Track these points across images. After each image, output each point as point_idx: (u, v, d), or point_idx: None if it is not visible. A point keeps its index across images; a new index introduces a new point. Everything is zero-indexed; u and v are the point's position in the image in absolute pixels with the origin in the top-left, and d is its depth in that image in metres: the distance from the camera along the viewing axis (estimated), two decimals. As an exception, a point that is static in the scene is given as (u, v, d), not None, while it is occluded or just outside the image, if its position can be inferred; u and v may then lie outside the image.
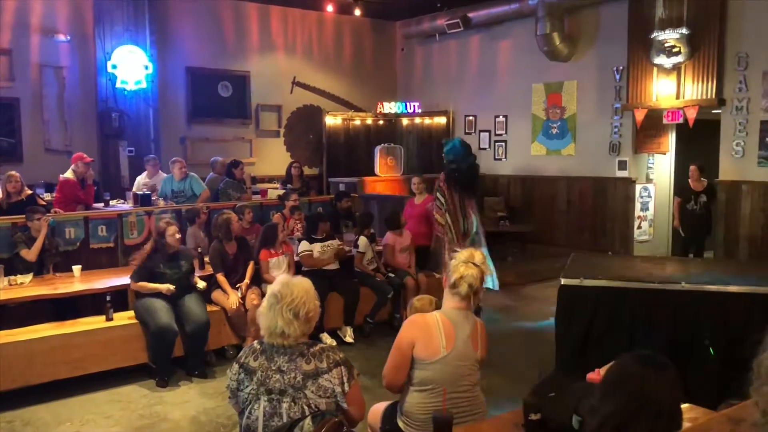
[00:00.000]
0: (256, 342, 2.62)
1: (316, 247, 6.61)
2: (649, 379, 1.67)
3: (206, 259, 6.36)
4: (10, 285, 5.56)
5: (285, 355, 2.49)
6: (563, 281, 4.68)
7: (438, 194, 6.42)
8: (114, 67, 9.69)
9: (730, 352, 4.17)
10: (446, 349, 2.78)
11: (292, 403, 2.43)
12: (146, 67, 9.90)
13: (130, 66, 9.81)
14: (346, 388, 2.51)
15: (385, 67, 13.47)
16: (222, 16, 11.43)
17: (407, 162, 11.86)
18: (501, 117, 11.84)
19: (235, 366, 2.56)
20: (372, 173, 11.33)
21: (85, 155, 7.90)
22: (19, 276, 5.71)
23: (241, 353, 2.63)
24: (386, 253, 7.03)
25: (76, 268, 6.05)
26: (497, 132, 11.94)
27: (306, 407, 2.43)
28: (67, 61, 10.08)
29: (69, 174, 7.76)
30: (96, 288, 5.67)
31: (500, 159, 11.87)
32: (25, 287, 5.57)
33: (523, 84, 11.34)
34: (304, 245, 6.61)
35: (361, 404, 2.63)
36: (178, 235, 5.62)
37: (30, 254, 5.96)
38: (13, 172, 7.12)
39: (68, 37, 10.01)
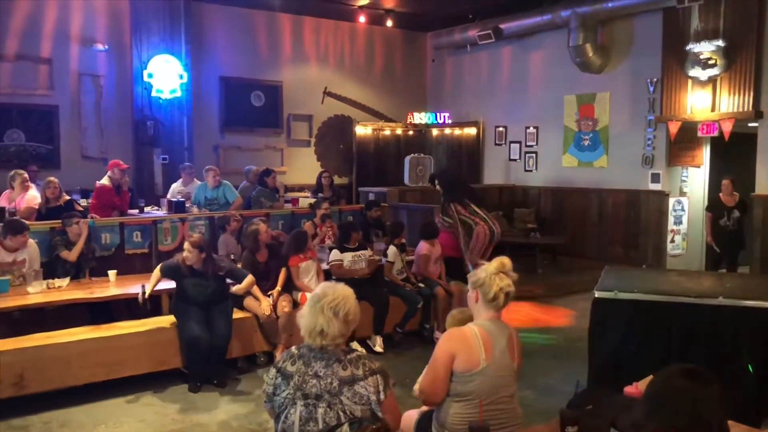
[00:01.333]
0: (294, 347, 2.66)
1: (347, 257, 6.63)
2: (697, 394, 1.63)
3: (239, 265, 6.41)
4: (49, 288, 5.68)
5: (322, 360, 2.53)
6: (597, 294, 4.63)
7: (446, 218, 6.84)
8: (150, 76, 9.90)
9: (768, 370, 4.08)
10: (486, 361, 2.78)
11: (328, 409, 2.47)
12: (181, 77, 10.10)
13: (166, 75, 10.01)
14: (382, 396, 2.52)
15: (415, 77, 13.53)
16: (256, 26, 11.60)
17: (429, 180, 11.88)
18: (532, 128, 11.81)
19: (273, 370, 2.61)
20: (402, 183, 11.36)
21: (121, 162, 8.05)
22: (57, 279, 5.83)
23: (279, 358, 2.68)
24: (420, 262, 7.02)
25: (112, 273, 6.17)
26: (528, 143, 11.90)
27: (341, 413, 2.46)
28: (105, 70, 10.32)
29: (105, 180, 7.91)
30: (131, 293, 5.75)
31: (531, 170, 11.83)
32: (63, 291, 5.69)
33: (554, 95, 11.30)
34: (335, 254, 6.64)
35: (397, 414, 2.64)
36: (199, 254, 5.51)
37: (71, 255, 6.10)
38: (53, 178, 7.30)
39: (106, 47, 10.25)
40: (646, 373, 2.92)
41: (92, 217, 7.01)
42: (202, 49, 10.96)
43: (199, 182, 8.89)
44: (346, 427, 2.39)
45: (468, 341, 2.79)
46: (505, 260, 2.92)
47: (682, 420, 1.62)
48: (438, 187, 6.72)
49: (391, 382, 2.60)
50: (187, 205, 7.88)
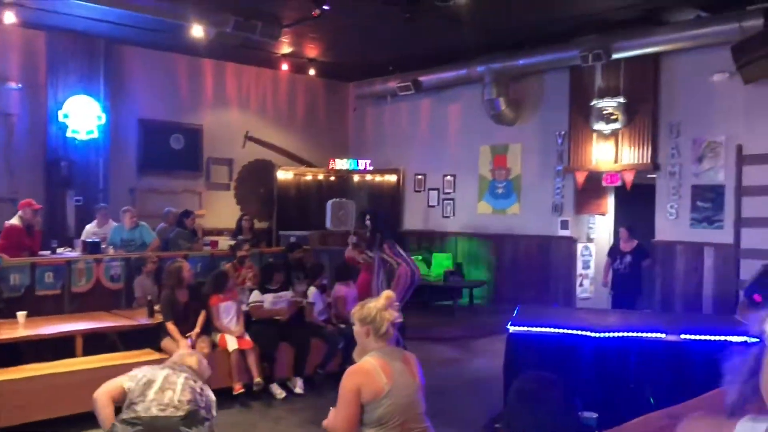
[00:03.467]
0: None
1: (268, 298, 6.66)
2: (539, 395, 2.00)
3: (156, 307, 6.33)
4: (-49, 330, 5.43)
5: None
6: (511, 329, 4.88)
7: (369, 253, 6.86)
8: (66, 116, 9.71)
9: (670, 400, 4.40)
10: (388, 384, 2.94)
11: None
12: (99, 118, 9.95)
13: (83, 115, 9.85)
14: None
15: (337, 125, 13.82)
16: (177, 69, 11.61)
17: (358, 218, 12.07)
18: (449, 176, 12.24)
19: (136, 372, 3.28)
20: (323, 227, 11.48)
21: (33, 202, 7.82)
22: (-40, 322, 5.58)
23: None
24: (338, 304, 7.12)
25: (21, 315, 5.95)
26: (446, 190, 12.31)
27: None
28: (17, 109, 10.02)
29: (15, 220, 7.66)
30: (42, 334, 5.57)
31: (448, 216, 12.21)
32: (-33, 333, 5.45)
33: (471, 145, 11.80)
34: (255, 295, 6.65)
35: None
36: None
37: None
38: (-42, 217, 7.00)
39: (20, 85, 9.98)
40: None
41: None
42: (121, 91, 10.86)
43: (114, 223, 8.74)
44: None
45: (368, 372, 2.94)
46: (390, 294, 3.14)
47: (530, 419, 1.95)
48: (368, 222, 6.86)
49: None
50: (102, 246, 7.71)
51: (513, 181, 11.25)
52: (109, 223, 8.76)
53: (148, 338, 6.12)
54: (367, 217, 6.93)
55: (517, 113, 11.08)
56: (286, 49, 11.21)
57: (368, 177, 13.11)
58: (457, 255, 11.78)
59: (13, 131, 9.95)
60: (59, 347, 5.77)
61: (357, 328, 3.07)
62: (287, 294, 6.79)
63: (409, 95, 12.18)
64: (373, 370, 2.94)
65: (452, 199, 12.21)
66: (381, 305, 3.05)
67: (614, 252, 9.06)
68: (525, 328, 4.83)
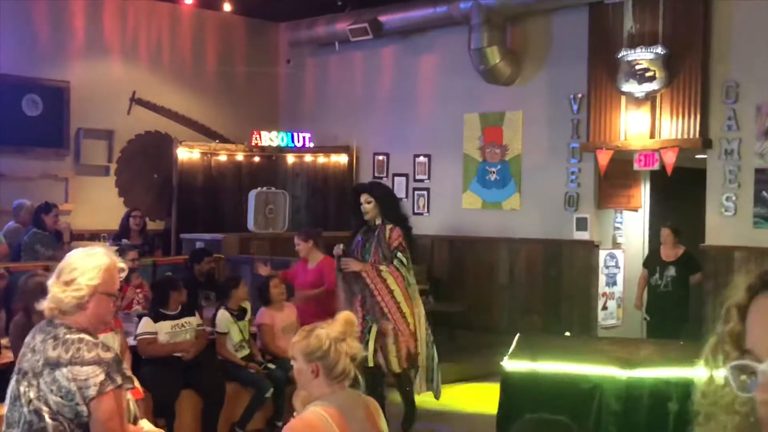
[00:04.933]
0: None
1: (164, 327, 6.64)
2: None
3: (5, 342, 6.25)
4: None
5: (43, 333, 3.00)
6: (507, 366, 4.96)
7: (401, 255, 6.83)
8: None
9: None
10: None
11: (27, 389, 2.92)
12: None
13: None
14: (90, 393, 2.87)
15: (263, 83, 13.77)
16: (32, 3, 11.42)
17: (293, 214, 12.06)
18: (422, 157, 12.30)
19: None
20: (244, 228, 11.43)
21: None
22: None
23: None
24: (262, 335, 7.14)
25: None
26: (417, 177, 12.37)
27: (36, 400, 2.89)
28: None
29: None
30: None
31: (421, 213, 12.26)
32: None
33: (452, 114, 11.87)
34: (146, 324, 6.63)
35: (112, 427, 2.91)
36: None
37: None
38: None
39: None
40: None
41: None
42: (-51, 31, 10.65)
43: None
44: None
45: (317, 429, 2.95)
46: (350, 317, 3.18)
47: None
48: (368, 206, 6.81)
49: (118, 382, 2.92)
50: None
51: (510, 163, 11.37)
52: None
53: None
54: (368, 194, 6.84)
55: (516, 69, 11.19)
56: (190, -27, 11.14)
57: (308, 158, 13.09)
58: (433, 267, 11.84)
59: None
60: None
61: (300, 365, 3.08)
62: (193, 320, 6.76)
63: (366, 41, 12.20)
64: (322, 425, 2.95)
65: (426, 189, 12.27)
66: (336, 333, 3.07)
67: (652, 262, 9.21)
68: (526, 365, 4.91)
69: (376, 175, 12.78)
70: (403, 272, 6.82)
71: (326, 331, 3.08)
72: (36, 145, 11.45)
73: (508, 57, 11.07)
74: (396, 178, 12.59)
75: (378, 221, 6.82)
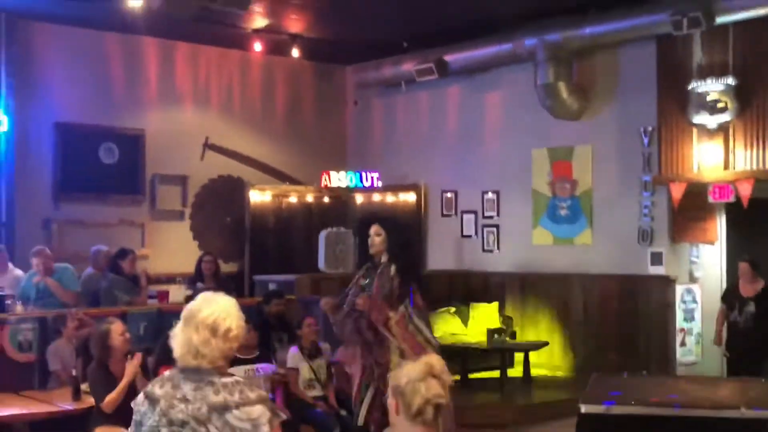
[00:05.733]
0: (167, 371, 3.16)
1: (238, 372, 6.64)
2: None
3: (84, 386, 6.37)
4: None
5: (192, 382, 3.01)
6: (583, 408, 4.86)
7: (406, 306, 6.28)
8: (-47, 121, 9.86)
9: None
10: None
11: None
12: (-1, 122, 10.11)
13: (-23, 120, 10.00)
14: (265, 430, 2.96)
15: (332, 125, 13.91)
16: (109, 54, 11.74)
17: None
18: (491, 193, 12.25)
19: (141, 396, 3.14)
20: (315, 269, 11.49)
21: None
22: None
23: (149, 383, 3.19)
24: (337, 374, 7.14)
25: None
26: (486, 214, 12.31)
27: None
28: None
29: None
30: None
31: (491, 251, 12.20)
32: None
33: (519, 149, 11.82)
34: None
35: None
36: None
37: None
38: None
39: None
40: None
41: None
42: (30, 85, 10.98)
43: (19, 272, 8.95)
44: None
45: None
46: (434, 360, 3.13)
47: None
48: (383, 238, 6.36)
49: (281, 416, 3.03)
50: (8, 302, 7.78)
51: (581, 197, 11.26)
52: (8, 270, 8.91)
53: (73, 430, 6.13)
54: (376, 229, 6.37)
55: (583, 103, 11.13)
56: (259, 22, 11.33)
57: (376, 197, 13.14)
58: (505, 305, 11.75)
59: None
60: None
61: (388, 398, 3.11)
62: (267, 367, 6.79)
63: (432, 81, 12.24)
64: None
65: (496, 226, 12.20)
66: (416, 373, 3.04)
67: (731, 297, 9.00)
68: (602, 407, 4.80)
69: (444, 212, 12.77)
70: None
71: (408, 369, 3.07)
72: (113, 192, 11.72)
73: (575, 92, 11.02)
74: (465, 215, 12.55)
75: (383, 258, 6.31)
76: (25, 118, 10.87)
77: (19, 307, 7.90)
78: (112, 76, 11.79)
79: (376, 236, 6.25)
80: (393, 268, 6.14)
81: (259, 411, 2.97)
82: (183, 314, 3.11)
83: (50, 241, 10.88)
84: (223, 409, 2.95)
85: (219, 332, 3.03)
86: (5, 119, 10.20)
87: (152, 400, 3.05)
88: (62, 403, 6.38)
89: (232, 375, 3.08)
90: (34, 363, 7.38)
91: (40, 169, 11.16)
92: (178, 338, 3.07)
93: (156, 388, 3.08)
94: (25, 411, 6.32)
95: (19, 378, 7.23)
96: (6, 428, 6.24)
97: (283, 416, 3.09)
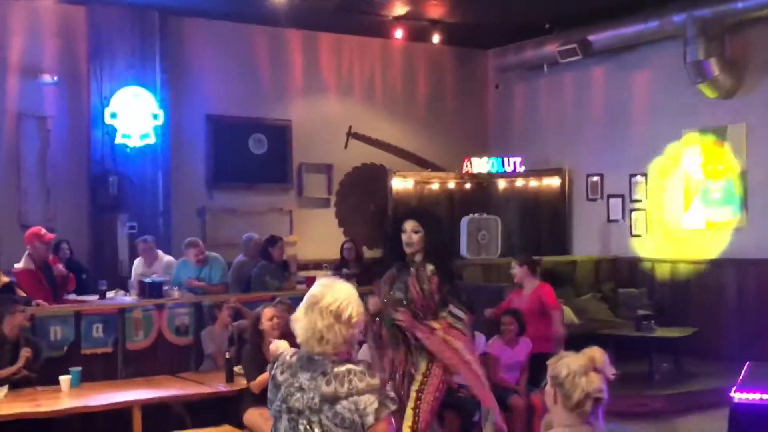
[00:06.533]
0: (289, 354, 3.24)
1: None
2: None
3: (237, 369, 6.61)
4: (-20, 400, 5.93)
5: (308, 372, 3.08)
6: (736, 398, 4.69)
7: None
8: (113, 116, 10.37)
9: None
10: None
11: (308, 426, 3.03)
12: (155, 116, 10.55)
13: (135, 114, 10.47)
14: (370, 420, 2.97)
15: (473, 110, 13.88)
16: (256, 47, 12.12)
17: (506, 239, 12.01)
18: (639, 177, 11.96)
19: (270, 378, 3.26)
20: (457, 255, 11.50)
21: (42, 230, 8.27)
22: (-9, 389, 6.09)
23: (275, 363, 3.26)
24: (485, 363, 7.11)
25: (65, 380, 6.39)
26: (634, 197, 12.04)
27: None
28: (53, 110, 10.82)
29: (24, 262, 8.07)
30: (91, 405, 5.97)
31: (639, 235, 11.93)
32: (0, 403, 5.92)
33: (669, 130, 11.49)
34: (363, 353, 6.76)
35: None
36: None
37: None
38: (-15, 252, 7.64)
39: (56, 78, 10.77)
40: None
41: (37, 304, 7.30)
42: (183, 79, 11.46)
43: (168, 258, 9.37)
44: None
45: None
46: (596, 353, 3.07)
47: None
48: (421, 235, 5.28)
49: (390, 406, 3.00)
50: (165, 288, 8.16)
51: (735, 180, 10.84)
52: (158, 258, 9.36)
53: (225, 411, 6.37)
54: (414, 226, 5.25)
55: (737, 80, 10.71)
56: (400, 9, 11.42)
57: (519, 182, 13.04)
58: (654, 291, 11.47)
59: (48, 139, 10.74)
60: (111, 422, 6.14)
61: (547, 387, 3.10)
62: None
63: (575, 62, 12.07)
64: None
65: (644, 210, 11.90)
66: (577, 365, 3.02)
67: None
68: (758, 396, 4.62)
69: (590, 196, 12.56)
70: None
71: (570, 360, 3.06)
72: (262, 181, 12.11)
73: (728, 68, 10.61)
74: (611, 200, 12.31)
75: (418, 258, 5.32)
76: (180, 112, 11.35)
77: (176, 293, 8.27)
78: (259, 68, 12.15)
79: (414, 233, 5.26)
80: (430, 268, 5.25)
81: (366, 400, 2.98)
82: (306, 300, 3.15)
83: (204, 230, 11.36)
84: (334, 399, 2.99)
85: (342, 318, 3.07)
86: (161, 113, 10.61)
87: (276, 385, 3.16)
88: (217, 384, 6.64)
89: (348, 363, 3.09)
90: (190, 347, 7.70)
91: (194, 161, 11.65)
92: (301, 323, 3.12)
93: (278, 373, 3.18)
94: (181, 392, 6.60)
95: (177, 360, 7.58)
96: (165, 408, 6.55)
97: (393, 406, 3.06)
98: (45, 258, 8.24)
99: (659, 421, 8.39)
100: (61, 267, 8.69)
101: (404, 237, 5.28)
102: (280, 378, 3.15)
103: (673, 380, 9.86)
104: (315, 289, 3.17)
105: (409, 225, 5.29)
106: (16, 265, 8.26)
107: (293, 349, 3.26)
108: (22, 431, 5.90)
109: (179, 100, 11.35)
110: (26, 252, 8.15)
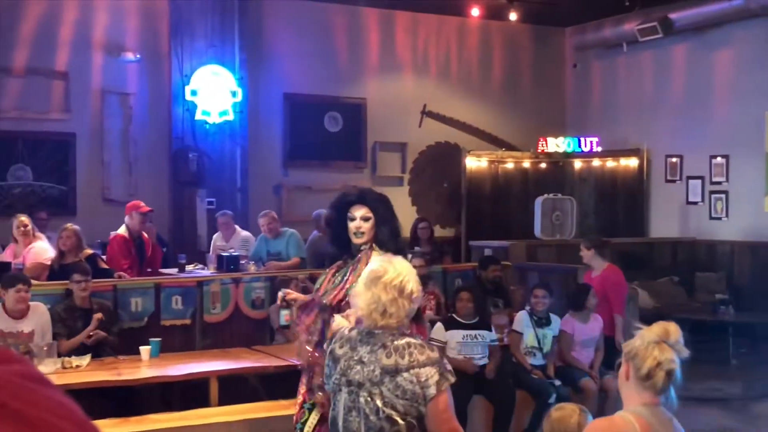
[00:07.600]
0: (348, 329, 3.35)
1: (456, 336, 6.71)
2: None
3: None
4: (65, 368, 6.11)
5: (367, 345, 3.18)
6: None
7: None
8: (194, 93, 10.57)
9: None
10: None
11: (369, 398, 3.11)
12: (234, 94, 10.71)
13: (214, 92, 10.65)
14: (431, 392, 3.06)
15: (549, 89, 13.73)
16: (332, 26, 12.18)
17: (581, 220, 11.87)
18: (720, 158, 11.72)
19: (327, 351, 3.39)
20: (531, 235, 11.43)
21: (141, 204, 8.56)
22: (74, 358, 6.27)
23: (334, 338, 3.39)
24: (560, 341, 7.09)
25: (145, 350, 6.56)
26: (714, 179, 11.81)
27: (382, 405, 3.09)
28: (136, 87, 11.09)
29: (122, 230, 8.42)
30: (169, 375, 6.12)
31: (719, 218, 11.72)
32: (82, 371, 6.11)
33: (752, 111, 11.22)
34: (437, 331, 6.78)
35: (445, 422, 3.12)
36: None
37: (66, 345, 6.41)
38: (69, 225, 7.86)
39: (138, 56, 11.02)
40: None
41: (119, 276, 7.50)
42: (261, 58, 11.61)
43: (244, 233, 9.53)
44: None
45: None
46: (671, 327, 3.01)
47: None
48: (371, 223, 4.52)
49: (450, 378, 3.08)
50: (242, 262, 8.29)
51: (820, 162, 10.56)
52: (236, 233, 9.50)
53: (298, 383, 6.45)
54: (364, 212, 4.50)
55: (825, 59, 10.37)
56: (476, -13, 11.35)
57: (595, 162, 12.87)
58: (733, 275, 11.27)
59: (130, 116, 11.03)
60: (189, 392, 6.28)
61: (621, 368, 3.10)
62: (485, 335, 6.80)
63: (656, 40, 11.86)
64: (627, 430, 2.89)
65: (725, 192, 11.67)
66: (652, 335, 2.98)
67: None
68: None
69: (668, 178, 12.37)
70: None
71: (643, 331, 3.03)
72: (337, 158, 12.22)
73: (815, 47, 10.29)
74: (690, 181, 12.10)
75: (365, 249, 4.53)
76: (257, 90, 11.50)
77: (252, 267, 8.40)
78: (335, 46, 12.22)
79: (364, 221, 4.50)
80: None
81: (427, 372, 3.06)
82: (367, 275, 3.24)
83: (280, 206, 11.51)
84: (395, 371, 3.07)
85: (405, 293, 3.16)
86: (240, 91, 10.76)
87: (334, 359, 3.24)
88: (289, 357, 6.72)
89: (407, 336, 3.19)
90: (265, 320, 7.81)
91: (271, 138, 11.81)
92: (364, 297, 3.20)
93: (336, 347, 3.27)
94: (256, 364, 6.72)
95: (252, 333, 7.69)
96: (240, 379, 6.68)
97: (452, 379, 3.14)
98: (140, 230, 8.47)
99: (735, 406, 8.24)
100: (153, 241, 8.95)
101: (352, 225, 4.50)
102: (339, 352, 3.24)
103: (751, 365, 9.69)
104: (375, 264, 3.28)
105: (360, 211, 4.52)
106: (113, 233, 8.54)
107: (352, 325, 3.38)
108: (105, 398, 6.11)
109: (257, 78, 11.49)
110: (124, 222, 8.44)
